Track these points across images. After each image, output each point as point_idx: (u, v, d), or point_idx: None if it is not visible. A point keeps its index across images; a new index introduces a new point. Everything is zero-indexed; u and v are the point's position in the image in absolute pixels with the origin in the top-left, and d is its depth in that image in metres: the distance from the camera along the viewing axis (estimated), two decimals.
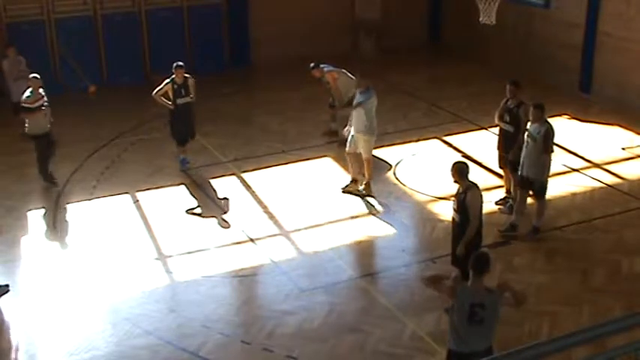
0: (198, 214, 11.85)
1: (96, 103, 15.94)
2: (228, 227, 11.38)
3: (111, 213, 11.91)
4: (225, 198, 12.25)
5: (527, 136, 10.69)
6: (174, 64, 12.89)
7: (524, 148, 10.76)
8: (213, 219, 11.64)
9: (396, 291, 9.91)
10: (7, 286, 9.89)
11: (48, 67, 16.51)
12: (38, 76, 12.62)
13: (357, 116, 11.96)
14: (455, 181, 8.91)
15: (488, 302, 6.73)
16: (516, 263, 10.43)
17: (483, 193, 9.10)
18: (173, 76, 12.83)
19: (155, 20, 17.91)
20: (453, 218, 9.11)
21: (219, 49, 18.70)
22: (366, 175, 12.26)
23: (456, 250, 9.17)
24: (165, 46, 17.71)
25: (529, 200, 11.10)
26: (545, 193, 10.92)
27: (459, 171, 8.85)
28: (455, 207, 8.97)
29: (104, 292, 9.88)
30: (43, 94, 12.57)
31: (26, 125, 12.62)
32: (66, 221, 11.72)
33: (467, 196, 8.78)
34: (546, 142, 10.52)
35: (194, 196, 12.38)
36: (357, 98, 11.98)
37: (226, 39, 18.95)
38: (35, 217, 11.80)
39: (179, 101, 12.94)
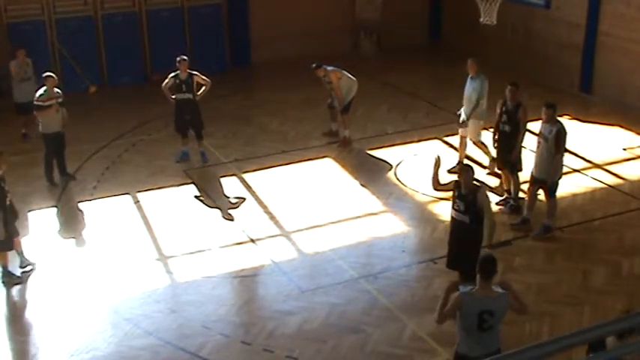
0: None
1: (96, 104, 15.95)
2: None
3: (111, 213, 11.91)
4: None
5: (539, 136, 10.71)
6: (178, 58, 12.96)
7: (535, 149, 10.83)
8: (214, 219, 11.66)
9: (396, 291, 9.91)
10: (33, 264, 10.31)
11: (48, 67, 16.48)
12: (53, 74, 12.64)
13: (468, 100, 12.52)
14: (465, 185, 8.92)
15: (496, 308, 6.70)
16: (517, 263, 10.43)
17: None
18: (178, 71, 12.92)
19: (155, 20, 17.91)
20: (455, 219, 9.10)
21: (219, 49, 18.68)
22: (486, 155, 12.88)
23: (452, 252, 9.22)
24: (165, 46, 17.70)
25: (540, 197, 11.14)
26: (555, 193, 10.94)
27: (471, 174, 8.95)
28: (461, 209, 8.97)
29: (105, 292, 9.89)
30: (60, 93, 12.59)
31: (40, 124, 12.65)
32: (66, 222, 11.72)
33: (477, 197, 8.84)
34: (558, 142, 10.54)
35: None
36: (469, 83, 12.53)
37: (226, 39, 18.95)
38: (36, 218, 11.80)
39: (178, 96, 13.11)
